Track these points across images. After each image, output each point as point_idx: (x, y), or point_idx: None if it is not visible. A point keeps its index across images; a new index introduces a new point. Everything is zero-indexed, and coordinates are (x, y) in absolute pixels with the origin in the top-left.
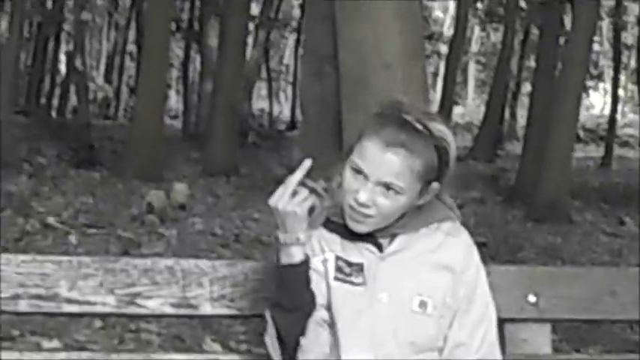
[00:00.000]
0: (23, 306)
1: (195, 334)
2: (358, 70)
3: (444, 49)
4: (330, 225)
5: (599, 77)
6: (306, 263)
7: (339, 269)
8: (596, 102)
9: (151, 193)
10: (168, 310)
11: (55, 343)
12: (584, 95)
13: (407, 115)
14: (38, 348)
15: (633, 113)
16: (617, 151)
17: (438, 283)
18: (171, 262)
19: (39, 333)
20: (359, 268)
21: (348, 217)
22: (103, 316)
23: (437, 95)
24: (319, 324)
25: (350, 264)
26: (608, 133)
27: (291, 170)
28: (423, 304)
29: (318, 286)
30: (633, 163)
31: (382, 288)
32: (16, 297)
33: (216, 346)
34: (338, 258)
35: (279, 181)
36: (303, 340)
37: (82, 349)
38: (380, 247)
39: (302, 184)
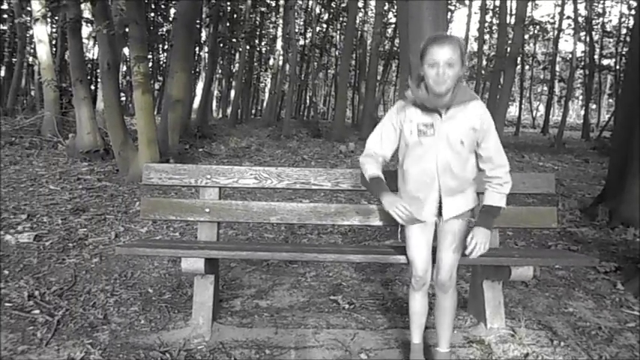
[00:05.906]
0: None
1: None
2: None
3: None
4: (416, 104)
5: None
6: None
7: (419, 131)
8: None
9: None
10: None
11: None
12: None
13: (442, 32)
14: None
15: None
16: None
17: (469, 133)
18: None
19: None
20: (431, 125)
21: (435, 83)
22: None
23: None
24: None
25: (425, 124)
26: None
27: None
28: (462, 142)
29: (397, 139)
30: None
31: (441, 137)
32: None
33: None
34: (418, 124)
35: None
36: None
37: None
38: (441, 115)
39: None
